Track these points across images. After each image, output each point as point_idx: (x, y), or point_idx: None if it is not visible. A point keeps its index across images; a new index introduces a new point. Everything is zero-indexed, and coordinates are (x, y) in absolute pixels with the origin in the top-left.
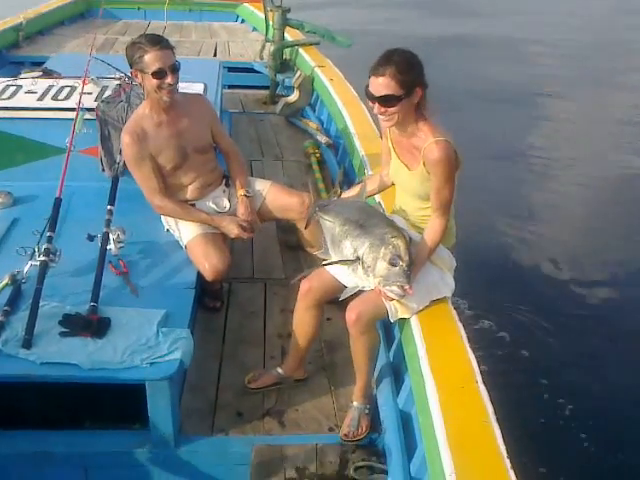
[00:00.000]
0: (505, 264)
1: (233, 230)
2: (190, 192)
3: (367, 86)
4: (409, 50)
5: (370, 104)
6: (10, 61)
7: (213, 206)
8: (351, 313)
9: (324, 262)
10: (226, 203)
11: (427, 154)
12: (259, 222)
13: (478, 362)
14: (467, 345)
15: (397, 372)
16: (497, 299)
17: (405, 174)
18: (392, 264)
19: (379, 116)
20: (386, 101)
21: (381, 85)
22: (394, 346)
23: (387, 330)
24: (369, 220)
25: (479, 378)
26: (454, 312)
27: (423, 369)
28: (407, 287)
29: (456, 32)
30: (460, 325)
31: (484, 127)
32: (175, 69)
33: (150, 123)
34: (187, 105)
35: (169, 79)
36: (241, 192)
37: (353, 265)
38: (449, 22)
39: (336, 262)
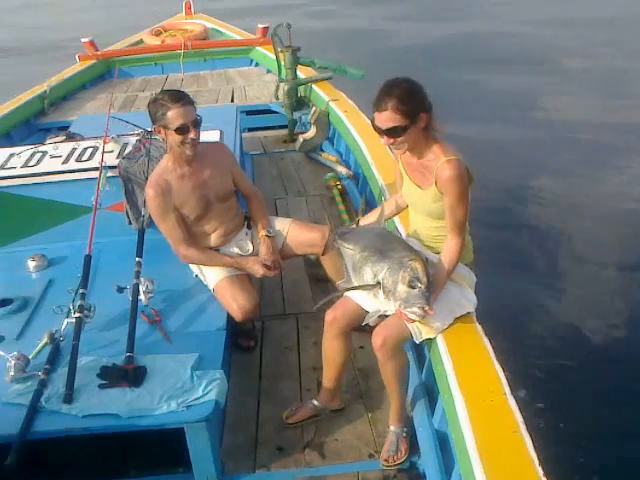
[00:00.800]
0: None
1: (258, 271)
2: (214, 239)
3: (373, 120)
4: (407, 78)
5: (380, 137)
6: (39, 128)
7: (237, 250)
8: (377, 338)
9: (345, 288)
10: (249, 246)
11: (440, 174)
12: (281, 261)
13: (506, 374)
14: (494, 358)
15: (430, 392)
16: (522, 308)
17: (417, 194)
18: (411, 286)
19: (389, 146)
20: (393, 133)
21: (386, 119)
22: (425, 367)
23: (418, 352)
24: (387, 245)
25: (507, 390)
26: (479, 327)
27: (452, 386)
28: (427, 308)
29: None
30: (486, 339)
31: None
32: (197, 124)
33: (173, 176)
34: (208, 154)
35: (192, 134)
36: (262, 233)
37: (374, 290)
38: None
39: (357, 287)
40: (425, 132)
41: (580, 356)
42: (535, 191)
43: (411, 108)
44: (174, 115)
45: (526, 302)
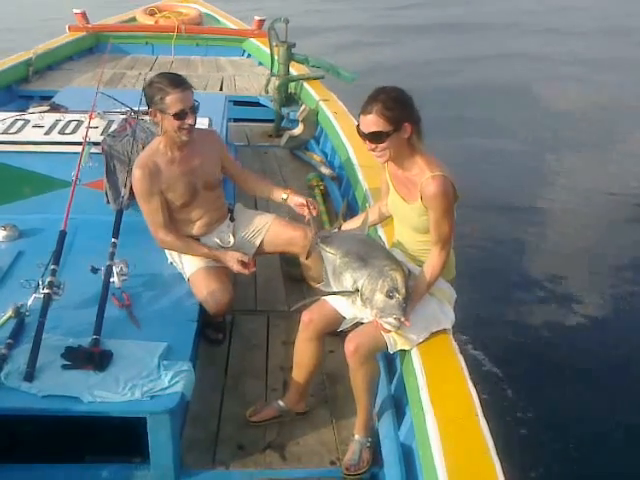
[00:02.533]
0: (508, 297)
1: (233, 266)
2: (197, 228)
3: (358, 125)
4: (397, 87)
5: (363, 141)
6: (20, 95)
7: (217, 241)
8: (350, 344)
9: (324, 293)
10: (230, 238)
11: (424, 189)
12: (312, 210)
13: (479, 394)
14: (468, 377)
15: (399, 405)
16: (499, 332)
17: (402, 207)
18: (389, 296)
19: (372, 153)
20: (375, 137)
21: (369, 122)
22: (395, 378)
23: (389, 362)
24: (370, 252)
25: (479, 411)
26: (454, 344)
27: (423, 401)
28: (403, 319)
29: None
30: (461, 357)
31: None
32: (195, 109)
33: (163, 159)
34: (199, 141)
35: (190, 120)
36: (286, 192)
37: (352, 296)
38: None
39: (336, 293)
40: (410, 144)
41: (558, 378)
42: (518, 206)
43: (395, 115)
44: (173, 100)
45: (505, 320)
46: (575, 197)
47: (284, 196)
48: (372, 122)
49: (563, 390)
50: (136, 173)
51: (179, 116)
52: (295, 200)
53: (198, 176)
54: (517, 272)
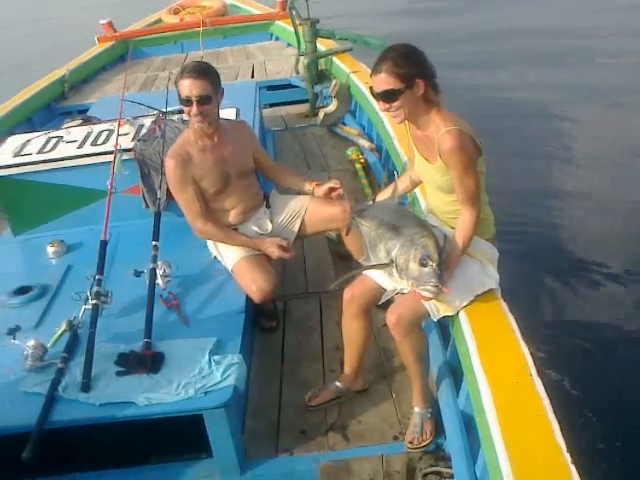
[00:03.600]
0: (553, 253)
1: (274, 252)
2: (233, 216)
3: (371, 87)
4: (407, 44)
5: (376, 102)
6: (59, 112)
7: (256, 229)
8: (391, 316)
9: (360, 270)
10: (268, 225)
11: (441, 145)
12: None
13: (533, 354)
14: (519, 337)
15: (455, 372)
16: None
17: (426, 168)
18: (422, 264)
19: (387, 113)
20: (387, 96)
21: (381, 81)
22: (450, 345)
23: (443, 329)
24: (401, 221)
25: (533, 371)
26: (504, 304)
27: (475, 367)
28: (441, 286)
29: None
30: (511, 317)
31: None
32: (202, 100)
33: (194, 148)
34: (230, 131)
35: (193, 109)
36: (311, 185)
37: (388, 268)
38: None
39: (372, 267)
40: (426, 101)
41: (612, 338)
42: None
43: (406, 72)
44: (180, 86)
45: (553, 279)
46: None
47: (310, 189)
48: (383, 81)
49: (616, 360)
50: (169, 163)
51: (184, 103)
52: (322, 190)
53: (230, 164)
54: (565, 242)
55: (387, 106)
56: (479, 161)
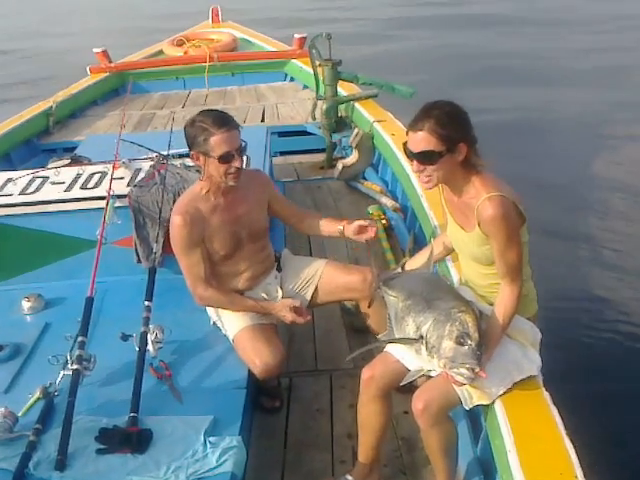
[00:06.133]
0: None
1: (286, 316)
2: (241, 282)
3: (405, 143)
4: (452, 102)
5: (409, 162)
6: (42, 149)
7: (264, 295)
8: (417, 402)
9: (383, 341)
10: (278, 292)
11: (481, 213)
12: (370, 231)
13: (579, 453)
14: (563, 432)
15: (487, 470)
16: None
17: (461, 237)
18: (459, 343)
19: (418, 176)
20: (425, 158)
21: (420, 140)
22: (481, 439)
23: (473, 420)
24: (434, 293)
25: (579, 472)
26: (546, 393)
27: (512, 465)
28: (478, 369)
29: None
30: (554, 408)
31: None
32: (242, 151)
33: (206, 205)
34: (245, 184)
35: (237, 162)
36: (340, 225)
37: (416, 345)
38: None
39: (396, 341)
40: (464, 167)
41: None
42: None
43: (450, 134)
44: (218, 141)
45: (604, 366)
46: None
47: (340, 228)
48: (423, 140)
49: None
50: (176, 220)
51: (225, 159)
52: (352, 228)
53: (243, 225)
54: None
55: (422, 168)
56: (522, 230)
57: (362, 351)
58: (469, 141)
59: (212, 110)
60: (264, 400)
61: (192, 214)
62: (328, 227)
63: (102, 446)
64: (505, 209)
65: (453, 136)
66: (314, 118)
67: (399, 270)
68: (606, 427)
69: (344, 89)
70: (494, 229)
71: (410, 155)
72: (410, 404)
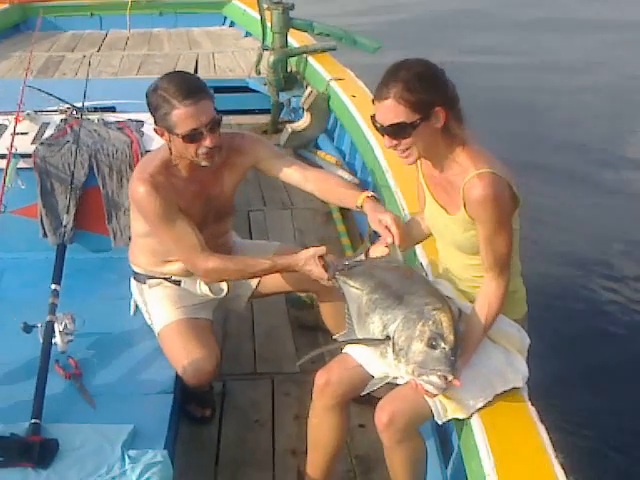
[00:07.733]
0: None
1: (313, 270)
2: (178, 266)
3: (373, 116)
4: (423, 60)
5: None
6: None
7: (205, 290)
8: (382, 414)
9: (342, 341)
10: (223, 285)
11: (468, 192)
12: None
13: (568, 476)
14: (552, 454)
15: None
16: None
17: (443, 220)
18: (431, 346)
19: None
20: (396, 131)
21: (387, 110)
22: (452, 459)
23: (443, 437)
24: (406, 287)
25: None
26: (531, 408)
27: None
28: (451, 377)
29: None
30: (541, 427)
31: None
32: (214, 125)
33: (176, 178)
34: (226, 157)
35: (207, 141)
36: (363, 196)
37: (382, 347)
38: None
39: (359, 341)
40: (446, 135)
41: None
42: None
43: (422, 98)
44: (181, 116)
45: (599, 378)
46: None
47: (358, 203)
48: (391, 110)
49: None
50: (140, 189)
51: (191, 138)
52: (375, 214)
53: (212, 201)
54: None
55: (394, 143)
56: (514, 215)
57: (316, 353)
58: (447, 104)
59: (178, 73)
60: (192, 408)
61: (161, 183)
62: (346, 197)
63: None
64: (497, 189)
65: (426, 100)
66: (258, 72)
67: (362, 257)
68: (599, 448)
69: (296, 39)
70: (483, 212)
71: (380, 129)
72: (367, 416)
